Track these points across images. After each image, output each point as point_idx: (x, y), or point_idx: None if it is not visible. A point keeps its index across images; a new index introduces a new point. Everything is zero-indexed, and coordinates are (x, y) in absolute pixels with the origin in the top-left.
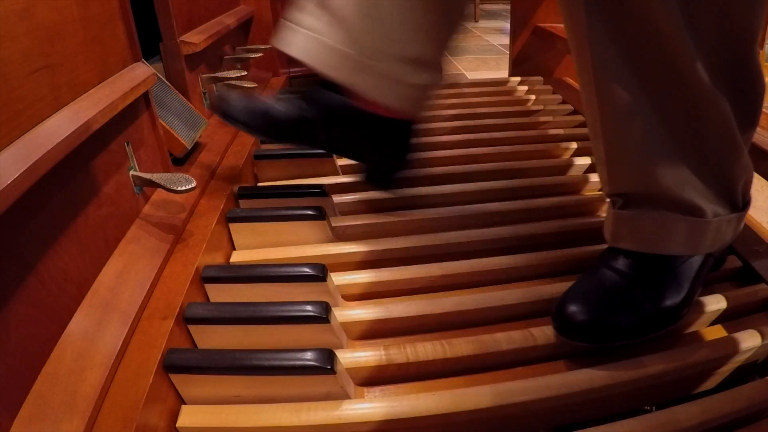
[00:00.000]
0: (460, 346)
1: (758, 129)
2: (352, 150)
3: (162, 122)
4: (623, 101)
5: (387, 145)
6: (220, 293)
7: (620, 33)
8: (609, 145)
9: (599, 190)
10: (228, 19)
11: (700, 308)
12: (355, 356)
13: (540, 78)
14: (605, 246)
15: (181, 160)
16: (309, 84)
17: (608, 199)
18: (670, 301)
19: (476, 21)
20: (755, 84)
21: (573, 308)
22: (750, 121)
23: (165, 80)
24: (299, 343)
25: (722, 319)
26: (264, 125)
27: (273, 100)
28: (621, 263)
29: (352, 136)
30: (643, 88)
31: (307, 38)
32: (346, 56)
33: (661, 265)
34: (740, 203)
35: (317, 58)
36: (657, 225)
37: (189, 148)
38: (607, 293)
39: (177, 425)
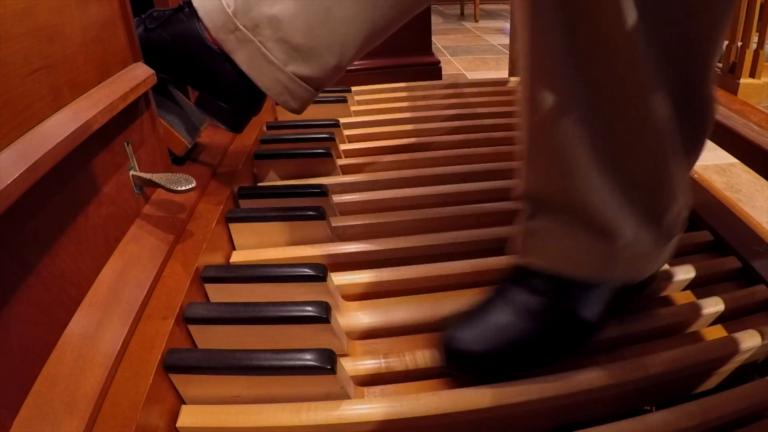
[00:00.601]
0: None
1: (758, 129)
2: (196, 82)
3: (162, 121)
4: (556, 95)
5: (227, 93)
6: (220, 293)
7: (567, 22)
8: (532, 140)
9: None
10: None
11: (700, 308)
12: (355, 365)
13: None
14: None
15: (181, 160)
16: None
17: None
18: (570, 329)
19: (476, 21)
20: (705, 108)
21: (460, 335)
22: (696, 145)
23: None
24: (299, 343)
25: (722, 319)
26: None
27: None
28: (522, 297)
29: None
30: (581, 86)
31: None
32: (231, 20)
33: (566, 289)
34: (667, 234)
35: (205, 9)
36: (565, 241)
37: (190, 146)
38: (500, 322)
39: (177, 425)
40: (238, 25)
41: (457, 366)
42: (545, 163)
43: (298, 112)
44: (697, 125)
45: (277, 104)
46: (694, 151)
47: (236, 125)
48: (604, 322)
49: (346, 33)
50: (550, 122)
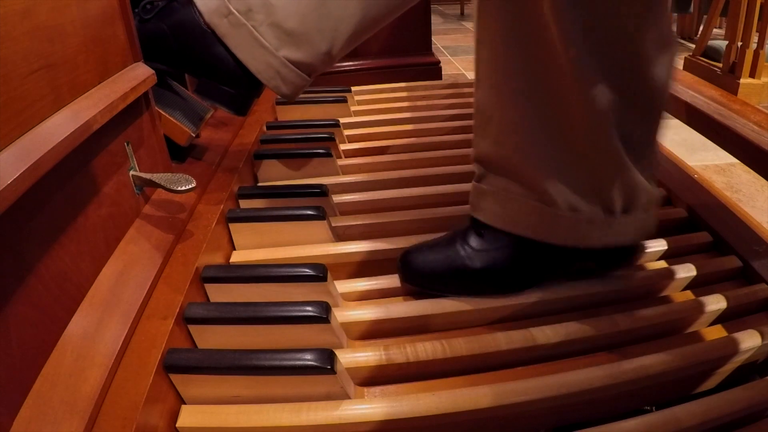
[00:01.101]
0: (460, 345)
1: (758, 129)
2: (194, 70)
3: (164, 113)
4: (495, 73)
5: (226, 80)
6: (220, 293)
7: (511, 9)
8: (476, 110)
9: None
10: None
11: (700, 308)
12: (355, 356)
13: None
14: None
15: (182, 158)
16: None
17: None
18: (495, 265)
19: None
20: (651, 95)
21: (414, 255)
22: (648, 133)
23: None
24: (299, 343)
25: (722, 319)
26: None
27: None
28: (472, 239)
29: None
30: (519, 65)
31: None
32: (224, 4)
33: (501, 240)
34: (614, 208)
35: None
36: (507, 201)
37: (194, 135)
38: (443, 250)
39: (177, 425)
40: (231, 9)
41: (409, 279)
42: (496, 131)
43: (290, 97)
44: (645, 109)
45: (268, 88)
46: (647, 133)
47: (239, 108)
48: (546, 278)
49: (339, 18)
50: (498, 99)
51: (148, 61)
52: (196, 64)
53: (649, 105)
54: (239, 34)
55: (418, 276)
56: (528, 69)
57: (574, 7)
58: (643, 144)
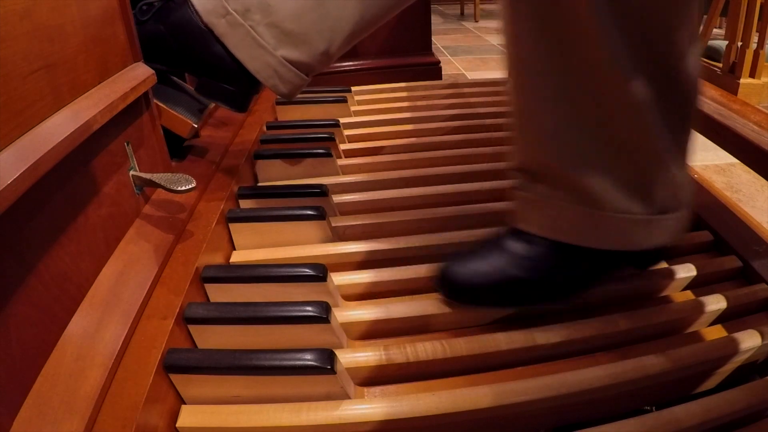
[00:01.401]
0: (460, 346)
1: (758, 129)
2: (192, 69)
3: (164, 106)
4: (534, 76)
5: (225, 79)
6: (220, 293)
7: (543, 10)
8: (517, 118)
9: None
10: None
11: (700, 308)
12: (355, 356)
13: None
14: None
15: (183, 154)
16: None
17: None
18: (556, 276)
19: (476, 21)
20: (686, 86)
21: (456, 268)
22: (683, 124)
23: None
24: (299, 343)
25: (722, 319)
26: None
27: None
28: (517, 245)
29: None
30: (558, 66)
31: None
32: (221, 4)
33: (552, 249)
34: (657, 207)
35: None
36: (555, 209)
37: (196, 126)
38: (492, 260)
39: (177, 425)
40: (229, 9)
41: (453, 295)
42: (534, 139)
43: (288, 97)
44: (681, 103)
45: (266, 87)
46: (683, 129)
47: (240, 105)
48: (593, 284)
49: (338, 18)
50: (534, 105)
51: (148, 62)
52: (195, 64)
53: (684, 99)
54: (237, 33)
55: (465, 291)
56: (567, 70)
57: (612, 3)
58: (679, 139)
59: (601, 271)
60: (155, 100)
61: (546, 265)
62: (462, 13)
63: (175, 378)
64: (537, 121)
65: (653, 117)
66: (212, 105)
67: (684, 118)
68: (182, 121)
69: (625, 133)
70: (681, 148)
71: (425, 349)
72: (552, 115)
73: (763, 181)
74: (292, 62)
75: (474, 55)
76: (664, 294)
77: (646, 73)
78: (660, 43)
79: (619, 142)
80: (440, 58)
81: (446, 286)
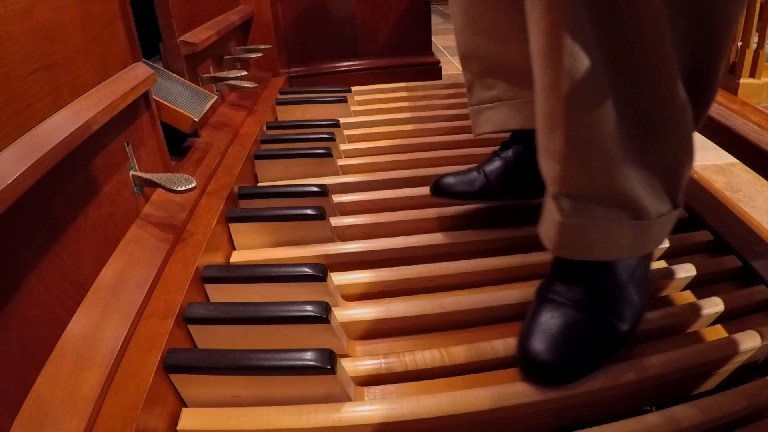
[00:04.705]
0: (458, 354)
1: (758, 129)
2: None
3: (165, 103)
4: (593, 92)
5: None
6: (220, 293)
7: (601, 18)
8: (570, 137)
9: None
10: (228, 19)
11: (700, 309)
12: (355, 365)
13: None
14: None
15: (182, 154)
16: None
17: (549, 202)
18: (633, 317)
19: None
20: (714, 86)
21: (540, 348)
22: (698, 121)
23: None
24: (299, 343)
25: (722, 319)
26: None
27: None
28: (574, 291)
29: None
30: (614, 80)
31: None
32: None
33: (613, 283)
34: (679, 201)
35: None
36: (603, 230)
37: (197, 120)
38: (570, 329)
39: (177, 428)
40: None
41: (543, 381)
42: (584, 159)
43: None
44: (703, 103)
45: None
46: (699, 121)
47: None
48: (643, 308)
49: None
50: (589, 117)
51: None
52: None
53: (708, 101)
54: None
55: (563, 373)
56: (630, 79)
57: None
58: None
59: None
60: (155, 97)
61: (611, 311)
62: None
63: (175, 378)
64: (599, 141)
65: (691, 118)
66: (212, 101)
67: (701, 115)
68: (183, 115)
69: (672, 138)
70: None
71: (424, 358)
72: (613, 131)
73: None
74: None
75: None
76: (664, 294)
77: (685, 73)
78: (704, 49)
79: (667, 147)
80: (440, 58)
81: (532, 370)
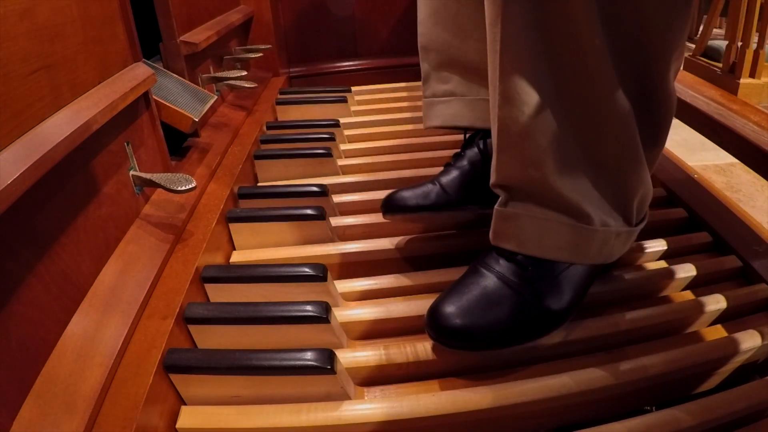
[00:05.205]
0: None
1: (758, 129)
2: None
3: (165, 103)
4: (527, 88)
5: None
6: (220, 293)
7: (535, 16)
8: (502, 131)
9: None
10: (228, 19)
11: (700, 308)
12: (355, 356)
13: None
14: None
15: (182, 154)
16: None
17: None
18: (553, 306)
19: None
20: (663, 102)
21: (448, 309)
22: (655, 139)
23: (163, 69)
24: (299, 343)
25: (722, 319)
26: None
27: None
28: (502, 266)
29: None
30: (551, 79)
31: None
32: None
33: (543, 270)
34: (633, 219)
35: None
36: (540, 226)
37: (197, 120)
38: (484, 296)
39: (177, 426)
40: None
41: (444, 341)
42: (518, 155)
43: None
44: (656, 119)
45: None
46: (655, 145)
47: None
48: (573, 307)
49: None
50: (523, 116)
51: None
52: None
53: (662, 116)
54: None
55: (456, 334)
56: (560, 76)
57: (602, 9)
58: (651, 154)
59: (588, 286)
60: (155, 97)
61: (529, 296)
62: None
63: (175, 378)
64: (532, 137)
65: (634, 131)
66: (212, 101)
67: (659, 134)
68: (183, 115)
69: (611, 147)
70: (651, 162)
71: (425, 348)
72: (547, 129)
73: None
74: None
75: None
76: (664, 294)
77: (630, 87)
78: (643, 63)
79: (605, 155)
80: None
81: (435, 328)
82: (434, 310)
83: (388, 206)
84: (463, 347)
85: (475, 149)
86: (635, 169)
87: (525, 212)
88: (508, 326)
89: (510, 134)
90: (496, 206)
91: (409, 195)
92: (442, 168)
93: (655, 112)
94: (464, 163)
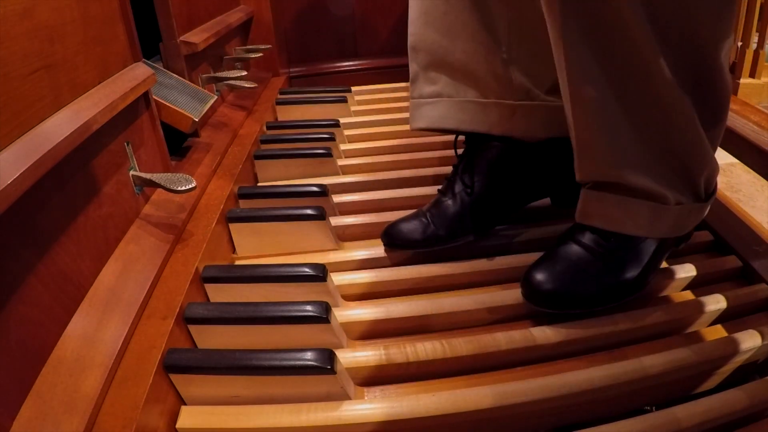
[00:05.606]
0: (460, 345)
1: (758, 129)
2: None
3: (165, 102)
4: (592, 96)
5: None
6: (220, 293)
7: (591, 33)
8: (579, 138)
9: None
10: (228, 19)
11: (700, 308)
12: (355, 356)
13: None
14: None
15: (182, 154)
16: None
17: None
18: (630, 274)
19: None
20: (719, 84)
21: (540, 277)
22: (715, 119)
23: (163, 69)
24: (299, 343)
25: (722, 319)
26: None
27: None
28: (587, 238)
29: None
30: (611, 85)
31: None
32: None
33: (623, 242)
34: (702, 194)
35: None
36: (621, 207)
37: (197, 120)
38: (572, 265)
39: (177, 426)
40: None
41: (534, 302)
42: (594, 157)
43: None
44: (714, 104)
45: None
46: (715, 126)
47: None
48: (648, 274)
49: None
50: (592, 119)
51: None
52: None
53: (719, 102)
54: None
55: (552, 298)
56: (623, 80)
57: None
58: (713, 135)
59: (659, 261)
60: (155, 97)
61: (618, 260)
62: None
63: (175, 378)
64: (603, 140)
65: (695, 119)
66: (212, 101)
67: (718, 115)
68: (183, 115)
69: (676, 137)
70: (714, 141)
71: (425, 348)
72: (615, 131)
73: (763, 181)
74: None
75: None
76: (664, 294)
77: (686, 80)
78: (696, 55)
79: (672, 144)
80: None
81: (530, 294)
82: (528, 278)
83: (388, 241)
84: (553, 309)
85: (460, 185)
86: (699, 152)
87: (610, 196)
88: (592, 292)
89: (584, 140)
90: (583, 189)
91: (406, 230)
92: (441, 168)
93: (711, 98)
94: (447, 199)
